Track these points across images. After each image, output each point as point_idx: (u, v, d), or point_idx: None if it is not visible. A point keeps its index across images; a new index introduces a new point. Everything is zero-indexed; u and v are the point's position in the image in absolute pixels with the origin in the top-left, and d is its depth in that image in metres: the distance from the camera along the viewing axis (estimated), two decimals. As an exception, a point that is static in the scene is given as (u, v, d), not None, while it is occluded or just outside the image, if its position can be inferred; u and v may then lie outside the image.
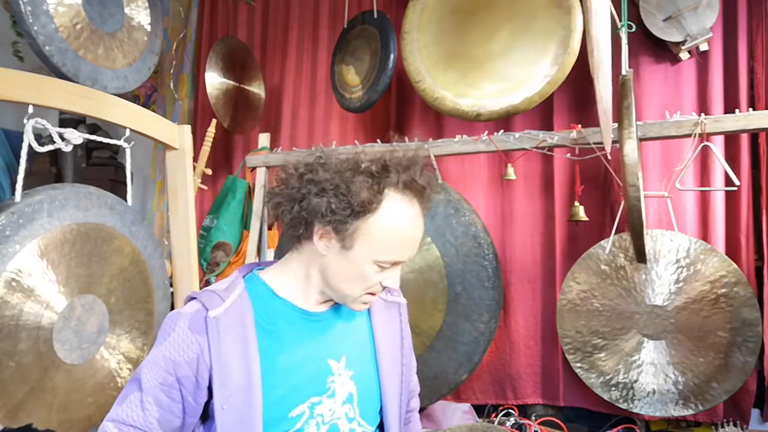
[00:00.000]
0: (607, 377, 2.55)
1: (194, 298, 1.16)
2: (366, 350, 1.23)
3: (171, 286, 2.26)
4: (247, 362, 1.09)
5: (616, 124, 2.25)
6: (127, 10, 2.13)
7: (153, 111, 2.67)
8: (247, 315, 1.13)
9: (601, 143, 2.40)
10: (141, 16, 2.19)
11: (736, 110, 2.32)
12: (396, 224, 1.09)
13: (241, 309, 1.13)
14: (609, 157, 2.44)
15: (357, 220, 1.07)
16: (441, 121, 3.09)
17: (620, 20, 2.16)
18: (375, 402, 1.21)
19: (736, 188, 2.34)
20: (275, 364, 1.12)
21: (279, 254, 2.97)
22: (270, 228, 3.10)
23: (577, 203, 2.61)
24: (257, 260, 3.08)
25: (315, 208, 1.07)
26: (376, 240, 1.09)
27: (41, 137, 1.92)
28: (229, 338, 1.10)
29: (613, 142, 2.38)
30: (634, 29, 2.22)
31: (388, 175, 1.08)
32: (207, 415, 1.15)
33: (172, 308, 2.28)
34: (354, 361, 1.20)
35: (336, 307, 1.22)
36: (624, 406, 2.53)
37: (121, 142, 2.09)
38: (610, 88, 1.78)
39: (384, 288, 1.16)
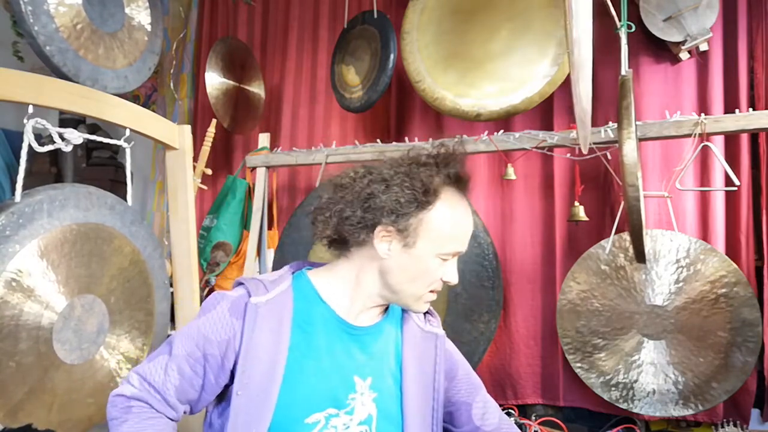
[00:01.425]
0: (607, 377, 2.55)
1: (242, 283, 1.19)
2: (394, 376, 1.21)
3: (171, 286, 2.26)
4: (275, 357, 1.11)
5: (615, 124, 2.26)
6: (127, 10, 2.13)
7: (153, 111, 2.67)
8: (286, 310, 1.15)
9: (602, 143, 2.40)
10: (141, 16, 2.19)
11: (736, 110, 2.33)
12: (455, 214, 1.15)
13: (282, 303, 1.16)
14: (609, 157, 2.44)
15: (420, 213, 1.11)
16: (441, 121, 3.09)
17: (620, 20, 2.16)
18: (398, 430, 1.19)
19: (736, 188, 2.34)
20: (302, 366, 1.13)
21: (279, 254, 2.97)
22: (270, 228, 3.11)
23: (577, 203, 2.61)
24: (257, 260, 3.08)
25: (383, 205, 1.11)
26: (439, 232, 1.13)
27: (41, 137, 1.92)
28: (264, 329, 1.12)
29: (613, 142, 2.39)
30: (634, 29, 2.21)
31: (446, 166, 1.15)
32: (223, 397, 1.17)
33: (173, 308, 2.28)
34: (380, 384, 1.19)
35: (376, 325, 1.22)
36: (624, 406, 2.53)
37: (121, 142, 2.09)
38: (590, 90, 1.79)
39: (445, 283, 1.18)
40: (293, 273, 1.22)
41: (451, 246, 1.14)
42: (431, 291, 1.18)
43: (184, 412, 1.19)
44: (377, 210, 1.11)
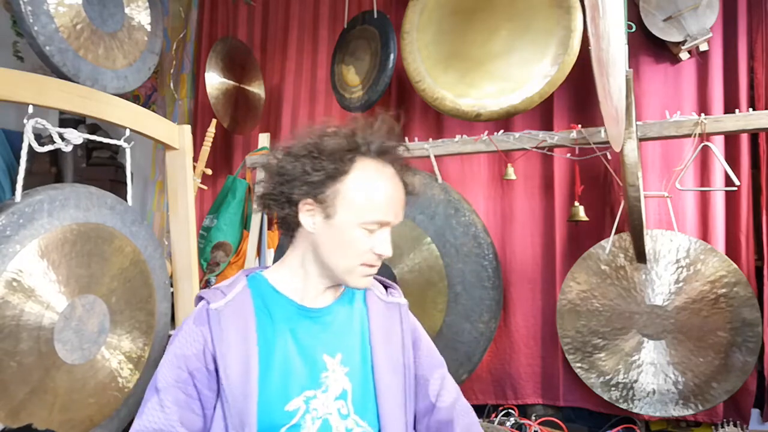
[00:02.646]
0: (607, 377, 2.55)
1: (201, 297, 1.20)
2: (363, 350, 1.23)
3: (171, 286, 2.26)
4: (246, 354, 1.12)
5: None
6: (127, 10, 2.13)
7: (153, 111, 2.67)
8: (247, 308, 1.16)
9: (602, 143, 2.40)
10: (141, 16, 2.19)
11: (736, 110, 2.32)
12: (372, 182, 1.13)
13: (242, 302, 1.17)
14: (609, 157, 2.44)
15: (334, 183, 1.12)
16: (441, 121, 3.09)
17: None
18: (373, 402, 1.21)
19: (736, 188, 2.35)
20: (273, 357, 1.14)
21: (279, 254, 2.97)
22: (270, 228, 3.10)
23: (577, 203, 2.61)
24: (257, 260, 3.08)
25: (291, 175, 1.13)
26: (355, 201, 1.12)
27: (41, 137, 1.92)
28: (230, 330, 1.13)
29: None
30: (634, 29, 2.22)
31: (354, 137, 1.15)
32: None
33: (173, 308, 2.28)
34: (350, 358, 1.20)
35: (335, 303, 1.23)
36: (624, 406, 2.53)
37: (121, 142, 2.09)
38: (624, 87, 1.76)
39: (378, 256, 1.16)
40: (247, 276, 1.24)
41: (371, 215, 1.13)
42: (364, 264, 1.16)
43: None
44: (291, 183, 1.14)
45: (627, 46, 2.18)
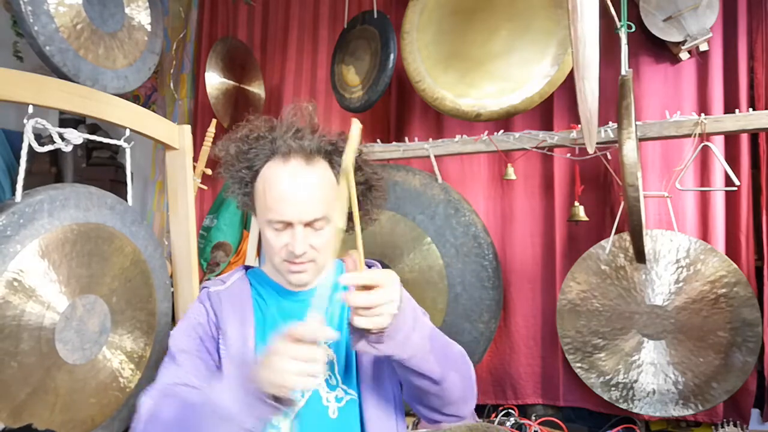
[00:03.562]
0: (607, 377, 2.55)
1: (204, 287, 1.29)
2: (343, 327, 1.25)
3: (172, 286, 2.26)
4: (244, 333, 1.19)
5: (615, 124, 2.26)
6: (127, 10, 2.13)
7: (153, 111, 2.67)
8: (245, 293, 1.25)
9: (602, 143, 2.40)
10: (141, 16, 2.19)
11: (736, 110, 2.33)
12: (269, 182, 1.17)
13: (240, 288, 1.26)
14: (609, 157, 2.44)
15: (253, 185, 1.20)
16: (441, 121, 3.09)
17: (620, 20, 2.17)
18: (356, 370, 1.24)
19: (736, 188, 2.35)
20: (265, 338, 1.20)
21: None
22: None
23: (577, 203, 2.61)
24: (257, 260, 3.08)
25: (230, 180, 1.23)
26: (258, 200, 1.19)
27: (41, 137, 1.92)
28: (229, 310, 1.21)
29: (613, 142, 2.39)
30: (633, 29, 2.21)
31: (261, 140, 1.19)
32: None
33: (174, 308, 2.28)
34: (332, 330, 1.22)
35: (316, 285, 1.24)
36: (624, 406, 2.53)
37: (121, 142, 2.09)
38: (597, 89, 1.78)
39: (297, 256, 1.15)
40: (246, 269, 1.33)
41: (269, 214, 1.15)
42: (286, 261, 1.18)
43: None
44: (231, 188, 1.24)
45: (627, 46, 2.18)
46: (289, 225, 1.15)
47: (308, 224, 1.15)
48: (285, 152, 1.17)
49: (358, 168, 1.23)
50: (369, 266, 1.33)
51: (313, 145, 1.18)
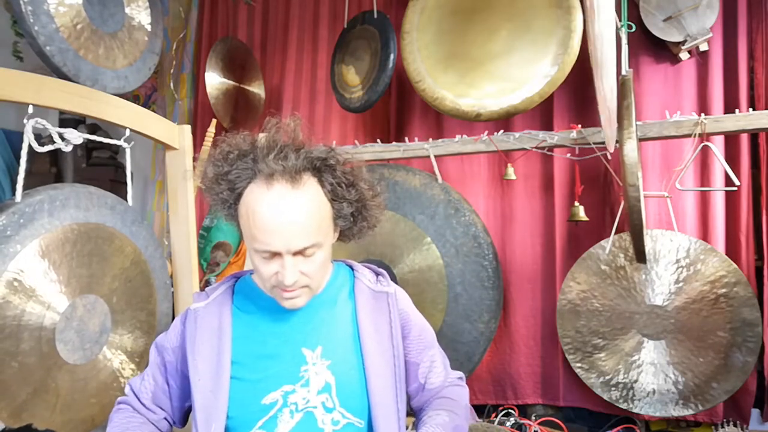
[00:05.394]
0: (607, 377, 2.55)
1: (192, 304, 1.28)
2: (349, 341, 1.20)
3: (172, 286, 2.26)
4: (219, 351, 1.17)
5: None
6: (127, 10, 2.13)
7: (153, 111, 2.67)
8: (225, 307, 1.21)
9: (602, 143, 2.40)
10: (141, 16, 2.19)
11: (736, 110, 2.33)
12: (253, 209, 1.07)
13: (220, 303, 1.22)
14: (609, 157, 2.44)
15: (237, 207, 1.12)
16: (441, 121, 3.09)
17: (620, 20, 2.17)
18: (360, 393, 1.18)
19: (736, 188, 2.35)
20: (250, 352, 1.17)
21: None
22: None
23: (577, 203, 2.61)
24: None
25: (214, 199, 1.16)
26: (243, 225, 1.11)
27: (41, 137, 1.92)
28: (205, 328, 1.19)
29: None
30: (634, 29, 2.22)
31: (254, 161, 1.08)
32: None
33: (174, 308, 2.28)
34: (332, 351, 1.18)
35: (315, 297, 1.20)
36: (624, 406, 2.53)
37: (121, 142, 2.09)
38: (615, 88, 1.77)
39: (288, 285, 1.08)
40: (236, 278, 1.28)
41: (254, 243, 1.07)
42: (276, 287, 1.11)
43: (174, 423, 1.27)
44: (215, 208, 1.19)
45: (627, 46, 2.18)
46: (277, 254, 1.07)
47: (298, 252, 1.07)
48: (268, 174, 1.06)
49: (350, 185, 1.14)
50: (376, 273, 1.31)
51: (298, 164, 1.07)
